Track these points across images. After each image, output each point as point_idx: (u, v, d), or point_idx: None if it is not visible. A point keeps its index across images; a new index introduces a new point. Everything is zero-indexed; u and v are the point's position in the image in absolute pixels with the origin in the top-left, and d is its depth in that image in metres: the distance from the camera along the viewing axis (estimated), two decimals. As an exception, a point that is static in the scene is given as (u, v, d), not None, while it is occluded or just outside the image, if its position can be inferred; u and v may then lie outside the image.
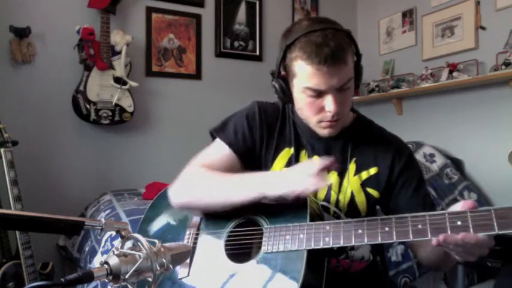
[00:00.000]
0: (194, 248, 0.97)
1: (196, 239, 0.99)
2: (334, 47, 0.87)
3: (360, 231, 0.79)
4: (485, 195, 2.57)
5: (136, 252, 0.58)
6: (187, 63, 2.84)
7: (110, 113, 2.42)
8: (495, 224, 0.68)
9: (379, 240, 0.77)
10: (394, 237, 0.75)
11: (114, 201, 2.07)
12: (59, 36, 2.43)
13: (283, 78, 0.99)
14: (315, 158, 1.02)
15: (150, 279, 0.59)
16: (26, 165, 2.15)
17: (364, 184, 1.01)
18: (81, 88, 2.35)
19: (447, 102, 2.76)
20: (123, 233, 0.61)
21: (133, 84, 2.47)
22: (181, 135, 2.74)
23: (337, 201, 1.00)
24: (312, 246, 0.81)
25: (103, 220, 0.61)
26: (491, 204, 2.51)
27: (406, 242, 0.88)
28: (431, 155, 2.61)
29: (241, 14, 3.02)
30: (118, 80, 2.41)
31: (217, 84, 2.94)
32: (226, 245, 0.93)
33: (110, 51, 2.41)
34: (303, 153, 1.05)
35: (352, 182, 1.01)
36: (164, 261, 0.61)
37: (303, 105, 0.97)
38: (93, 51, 2.37)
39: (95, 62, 2.37)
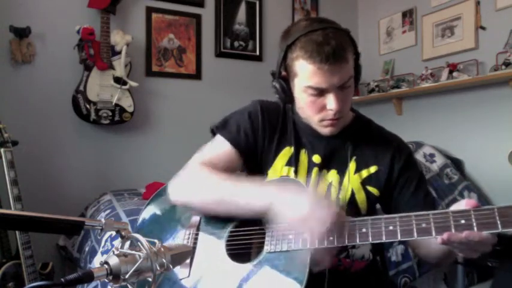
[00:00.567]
0: (194, 248, 0.97)
1: (196, 239, 0.99)
2: (335, 45, 0.88)
3: (364, 230, 0.79)
4: (485, 195, 2.57)
5: (136, 252, 0.58)
6: (187, 63, 2.84)
7: (110, 113, 2.41)
8: (498, 222, 0.69)
9: (383, 239, 0.77)
10: (399, 236, 0.76)
11: (114, 201, 2.07)
12: (59, 36, 2.43)
13: (283, 79, 1.00)
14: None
15: (150, 279, 0.59)
16: (26, 165, 2.15)
17: (364, 182, 1.02)
18: (81, 88, 2.34)
19: (447, 102, 2.76)
20: (123, 233, 0.61)
21: (133, 84, 2.47)
22: (181, 135, 2.74)
23: (338, 199, 1.00)
24: (316, 246, 0.81)
25: (103, 220, 0.61)
26: (491, 205, 2.51)
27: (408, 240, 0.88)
28: (431, 155, 2.61)
29: (241, 14, 3.02)
30: (118, 80, 2.41)
31: (217, 84, 2.94)
32: (227, 245, 0.93)
33: (110, 51, 2.41)
34: (303, 152, 1.05)
35: (353, 181, 1.01)
36: (164, 261, 0.61)
37: (305, 105, 0.97)
38: (93, 51, 2.37)
39: (95, 62, 2.37)
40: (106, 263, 0.56)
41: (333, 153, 1.04)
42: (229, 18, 2.97)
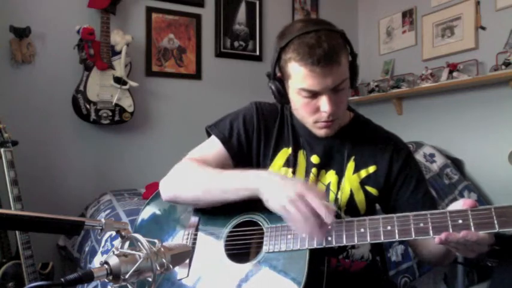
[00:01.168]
0: (193, 248, 0.97)
1: (195, 239, 0.99)
2: (327, 48, 0.87)
3: (362, 230, 0.79)
4: (485, 195, 2.57)
5: (136, 252, 0.58)
6: (187, 63, 2.84)
7: (110, 113, 2.42)
8: (495, 222, 0.69)
9: (381, 239, 0.77)
10: (397, 236, 0.76)
11: (114, 201, 2.07)
12: (59, 36, 2.43)
13: (279, 80, 1.00)
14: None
15: (150, 279, 0.59)
16: (26, 165, 2.15)
17: (363, 182, 1.02)
18: (81, 88, 2.35)
19: (447, 102, 2.76)
20: (123, 233, 0.61)
21: (134, 84, 2.47)
22: (181, 135, 2.74)
23: (336, 200, 1.00)
24: (315, 246, 0.81)
25: (103, 220, 0.61)
26: (491, 205, 2.51)
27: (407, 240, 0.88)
28: (431, 155, 2.61)
29: (241, 14, 3.02)
30: (118, 80, 2.41)
31: (217, 84, 2.94)
32: (226, 245, 0.93)
33: (110, 51, 2.41)
34: (301, 153, 1.05)
35: (351, 181, 1.01)
36: (164, 261, 0.61)
37: (299, 106, 0.98)
38: (93, 51, 2.37)
39: (95, 62, 2.37)
40: (106, 263, 0.56)
41: (331, 153, 1.04)
42: (229, 18, 2.97)
